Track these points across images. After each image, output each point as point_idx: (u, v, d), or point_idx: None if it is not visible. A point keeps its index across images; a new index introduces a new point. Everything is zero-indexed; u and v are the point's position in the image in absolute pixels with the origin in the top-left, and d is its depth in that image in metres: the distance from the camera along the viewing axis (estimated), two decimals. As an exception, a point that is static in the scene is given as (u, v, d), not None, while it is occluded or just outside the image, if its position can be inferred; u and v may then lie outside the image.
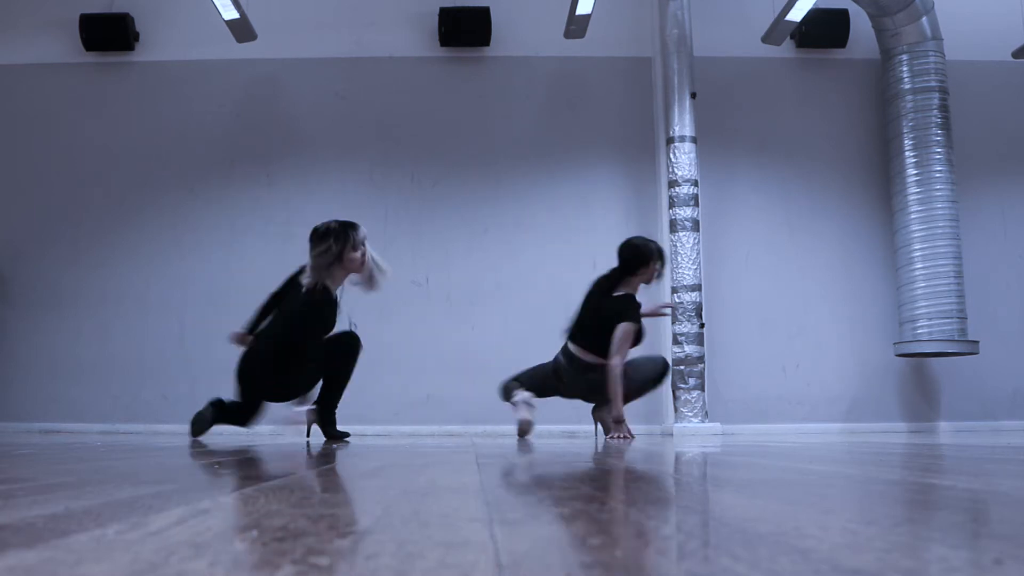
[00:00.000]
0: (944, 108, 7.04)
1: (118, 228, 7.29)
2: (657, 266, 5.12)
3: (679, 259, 6.86)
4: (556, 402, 6.59)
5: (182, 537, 0.76)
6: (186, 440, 4.15)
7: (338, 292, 4.63)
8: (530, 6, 7.49)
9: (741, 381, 7.17)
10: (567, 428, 6.20)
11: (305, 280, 4.54)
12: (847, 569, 0.61)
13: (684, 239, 6.87)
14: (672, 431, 6.58)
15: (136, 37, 7.43)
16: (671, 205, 6.95)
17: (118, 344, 7.13)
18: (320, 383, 4.59)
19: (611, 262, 7.34)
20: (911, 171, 6.99)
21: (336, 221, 4.72)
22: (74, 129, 7.41)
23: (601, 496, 1.29)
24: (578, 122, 7.46)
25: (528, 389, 5.15)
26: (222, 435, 4.79)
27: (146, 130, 7.40)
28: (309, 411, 4.58)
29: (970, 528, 0.90)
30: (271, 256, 7.08)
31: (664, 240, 7.10)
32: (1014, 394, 7.32)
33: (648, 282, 5.18)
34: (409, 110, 7.46)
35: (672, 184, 6.96)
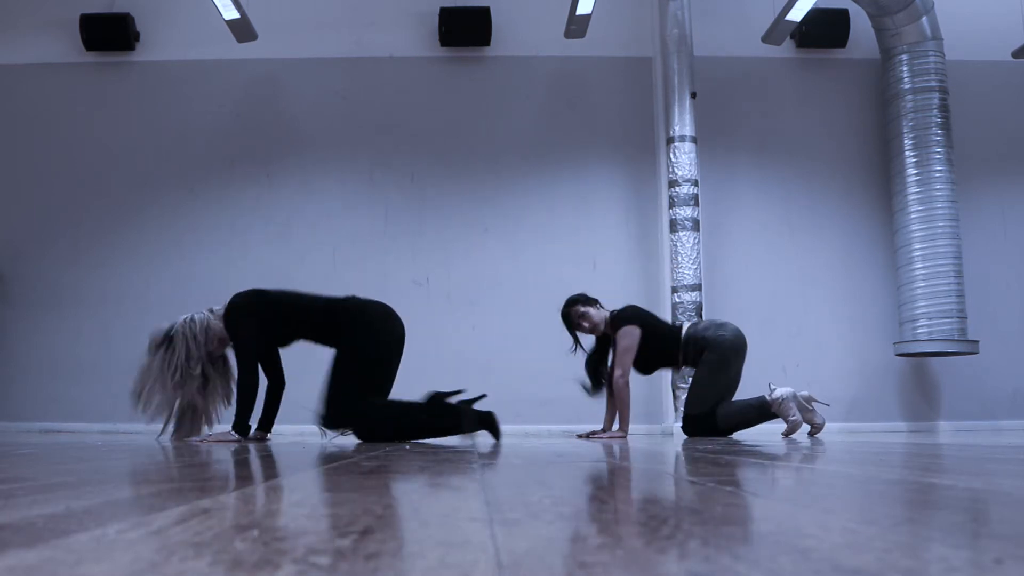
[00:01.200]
0: (944, 108, 7.04)
1: (118, 228, 7.30)
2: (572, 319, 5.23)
3: (679, 259, 6.86)
4: (558, 402, 6.60)
5: (183, 536, 0.76)
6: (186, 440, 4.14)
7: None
8: (530, 6, 7.50)
9: (741, 381, 7.17)
10: (567, 428, 6.19)
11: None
12: (847, 569, 0.61)
13: (684, 239, 6.87)
14: (672, 431, 6.58)
15: (136, 37, 7.43)
16: (671, 205, 6.95)
17: (118, 344, 7.11)
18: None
19: (611, 262, 7.36)
20: (911, 171, 6.99)
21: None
22: (74, 129, 7.41)
23: (601, 496, 1.29)
24: (578, 122, 7.47)
25: None
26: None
27: (146, 130, 7.41)
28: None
29: (970, 528, 0.89)
30: (272, 256, 7.10)
31: (664, 240, 7.11)
32: (1014, 394, 7.32)
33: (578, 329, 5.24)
34: (409, 110, 7.46)
35: (672, 184, 6.96)
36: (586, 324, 5.17)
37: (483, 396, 4.25)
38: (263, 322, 4.28)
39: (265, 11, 7.14)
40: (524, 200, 7.38)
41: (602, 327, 5.20)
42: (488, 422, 4.13)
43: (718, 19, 7.52)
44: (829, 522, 0.88)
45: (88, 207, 7.31)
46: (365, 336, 4.23)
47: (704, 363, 5.12)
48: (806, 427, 5.17)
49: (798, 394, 5.10)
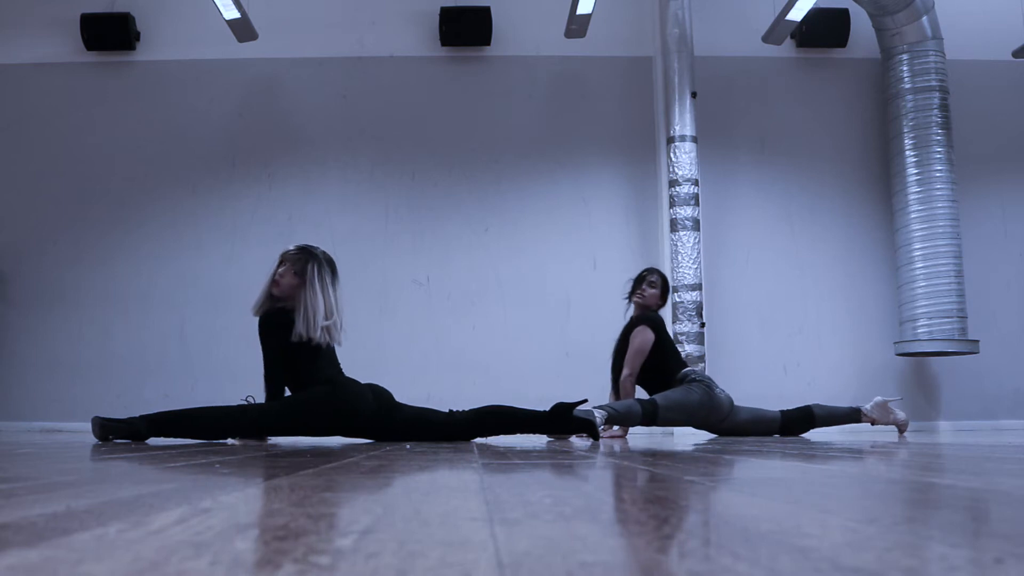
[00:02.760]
0: (944, 107, 7.04)
1: (119, 227, 7.30)
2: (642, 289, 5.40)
3: (679, 259, 6.86)
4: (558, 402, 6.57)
5: (183, 536, 0.76)
6: (186, 439, 4.14)
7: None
8: (531, 6, 7.50)
9: (742, 380, 7.18)
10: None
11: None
12: (848, 568, 0.61)
13: (684, 238, 6.87)
14: (672, 430, 6.58)
15: (137, 37, 7.43)
16: (671, 204, 6.96)
17: (119, 343, 7.13)
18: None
19: (611, 262, 7.35)
20: (911, 170, 6.99)
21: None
22: (75, 129, 7.41)
23: (601, 495, 1.30)
24: (578, 122, 7.47)
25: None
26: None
27: (147, 130, 7.40)
28: None
29: (970, 527, 0.90)
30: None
31: (664, 239, 7.11)
32: (1014, 394, 7.32)
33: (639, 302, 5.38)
34: (410, 109, 7.47)
35: (672, 183, 6.96)
36: (645, 294, 5.34)
37: (584, 400, 4.43)
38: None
39: (265, 11, 7.14)
40: (524, 200, 7.38)
41: (639, 311, 5.34)
42: (587, 424, 4.32)
43: (718, 19, 7.52)
44: (829, 521, 0.88)
45: (88, 207, 7.31)
46: (324, 410, 4.07)
47: (692, 386, 5.16)
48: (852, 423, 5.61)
49: (878, 401, 5.58)
